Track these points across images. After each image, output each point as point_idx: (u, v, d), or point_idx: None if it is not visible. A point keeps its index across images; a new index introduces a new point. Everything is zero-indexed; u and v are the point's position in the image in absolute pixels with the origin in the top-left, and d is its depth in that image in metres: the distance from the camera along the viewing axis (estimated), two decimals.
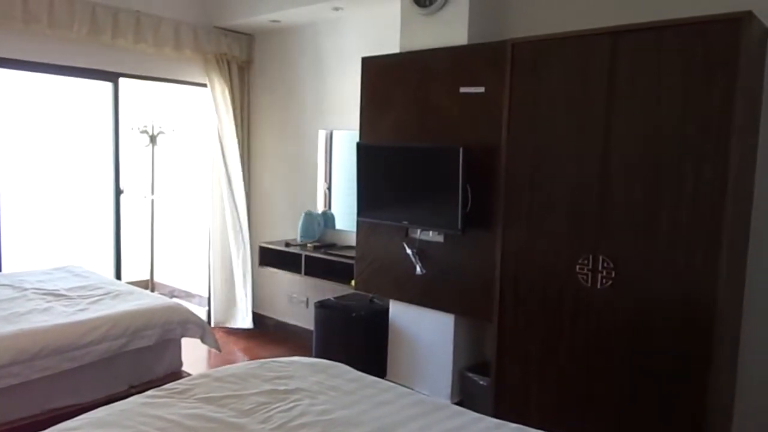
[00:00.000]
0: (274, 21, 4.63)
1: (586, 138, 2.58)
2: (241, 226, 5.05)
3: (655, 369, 2.42)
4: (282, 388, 2.25)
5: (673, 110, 2.34)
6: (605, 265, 2.53)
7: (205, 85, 4.90)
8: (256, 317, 5.22)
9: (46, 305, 3.23)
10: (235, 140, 5.02)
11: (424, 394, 2.74)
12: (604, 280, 2.54)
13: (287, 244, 4.48)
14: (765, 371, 2.64)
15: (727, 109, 2.21)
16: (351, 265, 3.89)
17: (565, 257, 2.66)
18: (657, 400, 2.42)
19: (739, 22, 2.17)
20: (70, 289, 3.56)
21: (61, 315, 3.07)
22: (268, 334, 5.05)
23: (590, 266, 2.58)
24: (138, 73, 4.66)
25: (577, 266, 2.62)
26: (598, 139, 2.54)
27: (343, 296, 4.17)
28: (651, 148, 2.40)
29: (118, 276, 4.72)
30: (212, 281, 5.07)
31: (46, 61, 4.14)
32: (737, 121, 2.20)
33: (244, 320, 5.08)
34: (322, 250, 4.25)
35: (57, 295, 3.45)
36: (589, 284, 2.58)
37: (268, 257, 4.57)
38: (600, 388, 2.57)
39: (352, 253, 3.90)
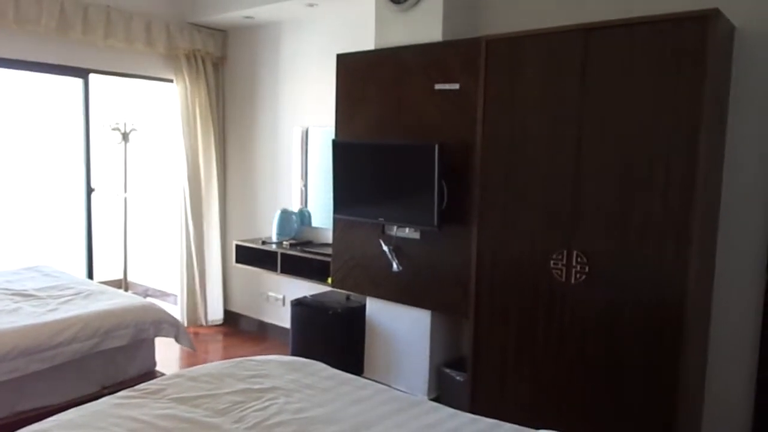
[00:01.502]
0: (247, 17, 4.58)
1: (560, 134, 2.60)
2: (214, 224, 5.01)
3: (627, 362, 2.45)
4: (257, 387, 2.23)
5: (644, 106, 2.37)
6: (579, 260, 2.56)
7: (175, 81, 4.83)
8: (233, 316, 5.18)
9: (15, 306, 3.16)
10: (210, 137, 4.97)
11: (400, 390, 2.75)
12: (578, 275, 2.57)
13: (263, 242, 4.45)
14: (734, 363, 2.70)
15: (696, 105, 2.25)
16: (328, 263, 3.87)
17: (539, 252, 2.69)
18: (630, 393, 2.45)
19: (706, 19, 2.22)
20: (39, 290, 3.49)
21: (30, 315, 3.01)
22: (244, 332, 5.00)
23: (564, 261, 2.60)
24: (109, 70, 4.57)
25: (552, 261, 2.64)
26: (572, 135, 2.56)
27: (319, 294, 4.16)
28: (623, 144, 2.43)
29: (90, 276, 4.63)
30: (186, 280, 5.00)
31: (13, 56, 4.03)
32: (706, 117, 2.24)
33: (216, 318, 5.09)
34: (299, 247, 4.22)
35: (26, 295, 3.37)
36: (564, 279, 2.61)
37: (244, 255, 4.53)
38: (575, 381, 2.60)
39: (329, 251, 3.89)
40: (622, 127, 2.43)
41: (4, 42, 3.95)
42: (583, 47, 2.51)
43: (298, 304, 4.00)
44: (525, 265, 2.74)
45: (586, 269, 2.54)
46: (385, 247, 3.46)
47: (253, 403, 2.09)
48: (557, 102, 2.61)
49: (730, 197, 2.66)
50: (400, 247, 3.44)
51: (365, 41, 3.72)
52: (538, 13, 3.15)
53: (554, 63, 2.61)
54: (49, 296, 3.37)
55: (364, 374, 3.65)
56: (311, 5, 4.12)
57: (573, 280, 2.58)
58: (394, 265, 3.41)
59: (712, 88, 2.28)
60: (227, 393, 2.17)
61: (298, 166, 4.65)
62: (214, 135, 5.02)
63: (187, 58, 4.80)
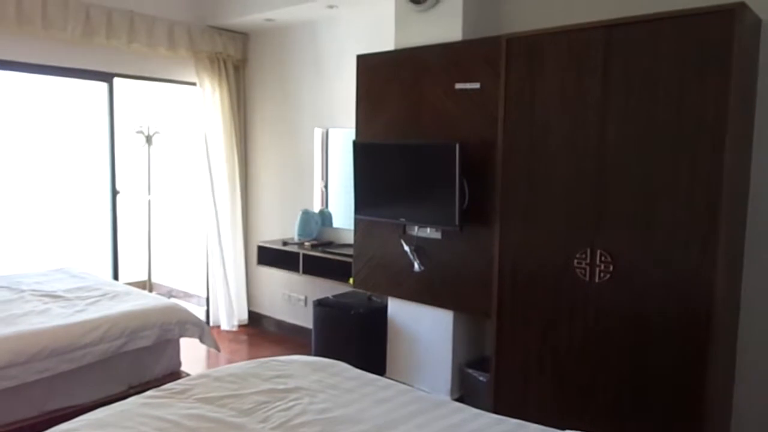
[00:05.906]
0: (268, 20, 4.62)
1: (582, 131, 2.57)
2: (236, 225, 5.06)
3: (653, 362, 2.42)
4: (281, 387, 2.24)
5: (668, 103, 2.34)
6: (603, 258, 2.53)
7: (197, 84, 4.88)
8: (255, 316, 5.22)
9: (44, 307, 3.22)
10: (231, 139, 5.02)
11: (423, 390, 2.74)
12: (602, 274, 2.54)
13: (285, 243, 4.47)
14: (763, 365, 2.64)
15: (722, 101, 2.20)
16: (349, 263, 3.89)
17: (562, 251, 2.66)
18: (656, 394, 2.42)
19: (732, 13, 2.18)
20: (67, 291, 3.55)
21: (58, 316, 3.07)
22: (266, 333, 5.04)
23: (588, 260, 2.58)
24: (133, 73, 4.65)
25: (575, 260, 2.61)
26: (594, 133, 2.53)
27: (341, 294, 4.17)
28: (647, 141, 2.40)
29: (116, 277, 4.71)
30: (210, 281, 5.06)
31: (40, 62, 4.12)
32: (732, 114, 2.20)
33: (240, 319, 5.13)
34: (320, 248, 4.24)
35: (54, 296, 3.44)
36: (587, 278, 2.58)
37: (266, 256, 4.57)
38: (599, 382, 2.58)
39: (350, 251, 3.90)
40: (646, 125, 2.39)
41: (32, 48, 4.05)
42: (604, 44, 2.49)
43: (321, 305, 4.02)
44: (548, 264, 2.72)
45: (611, 268, 2.51)
46: (406, 247, 3.46)
47: (278, 404, 2.10)
48: (579, 100, 2.58)
49: (758, 196, 2.61)
50: (421, 247, 3.43)
51: (385, 42, 3.73)
52: (559, 10, 3.12)
53: (576, 61, 2.58)
54: (77, 297, 3.44)
55: (387, 374, 3.66)
56: (331, 7, 4.14)
57: (597, 279, 2.56)
58: (416, 265, 3.41)
59: (738, 84, 2.24)
60: (252, 393, 2.19)
61: (319, 168, 4.67)
62: (236, 137, 5.07)
63: (209, 61, 4.86)
